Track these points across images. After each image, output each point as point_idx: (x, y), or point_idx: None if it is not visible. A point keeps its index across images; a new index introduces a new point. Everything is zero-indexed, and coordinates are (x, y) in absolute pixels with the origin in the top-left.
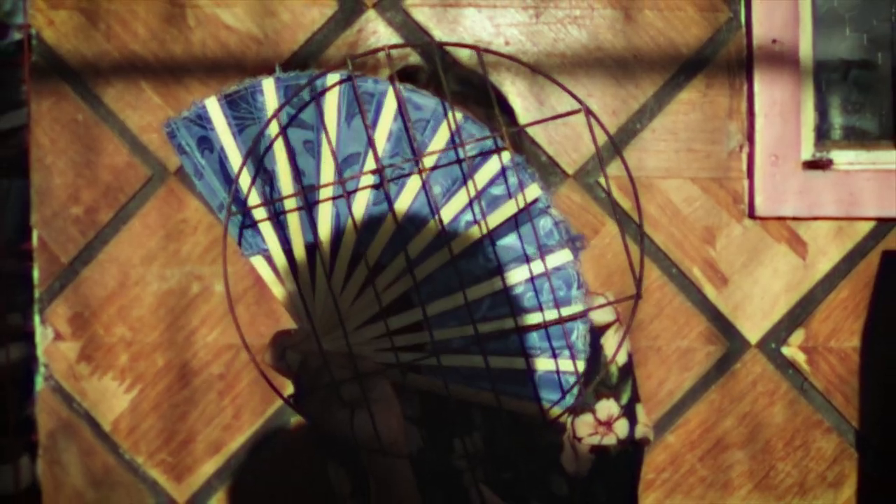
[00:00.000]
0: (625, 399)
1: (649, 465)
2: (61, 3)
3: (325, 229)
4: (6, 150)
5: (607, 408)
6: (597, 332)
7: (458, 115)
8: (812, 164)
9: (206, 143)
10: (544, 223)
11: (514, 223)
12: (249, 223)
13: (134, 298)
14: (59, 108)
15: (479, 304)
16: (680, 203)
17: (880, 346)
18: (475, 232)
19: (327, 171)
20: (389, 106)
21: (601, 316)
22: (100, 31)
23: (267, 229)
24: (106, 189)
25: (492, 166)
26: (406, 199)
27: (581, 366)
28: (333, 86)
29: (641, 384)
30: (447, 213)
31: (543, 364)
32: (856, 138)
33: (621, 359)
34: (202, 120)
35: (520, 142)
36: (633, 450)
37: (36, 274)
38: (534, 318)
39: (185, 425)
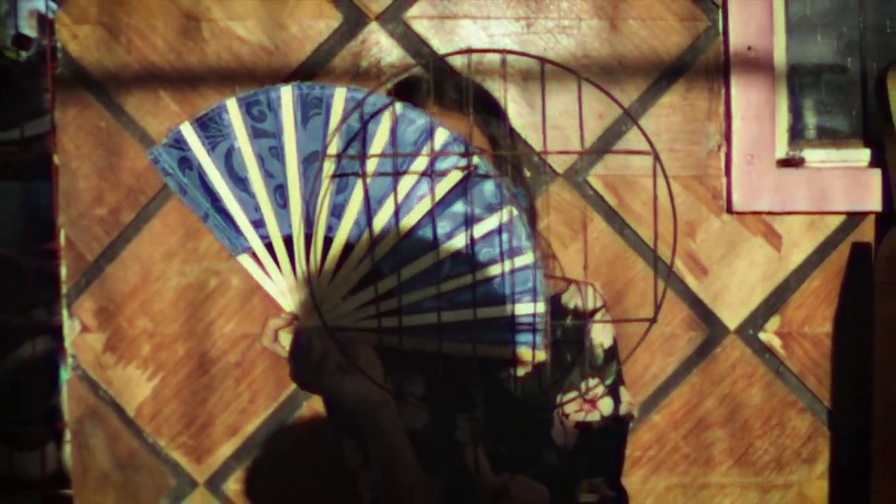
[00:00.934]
0: (609, 379)
1: (636, 443)
2: (85, 19)
3: (296, 221)
4: (30, 155)
5: (591, 387)
6: (584, 316)
7: (399, 106)
8: (786, 163)
9: (186, 162)
10: (487, 187)
11: (462, 190)
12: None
13: (155, 293)
14: (83, 116)
15: (441, 265)
16: (662, 199)
17: (850, 332)
18: (427, 203)
19: (292, 170)
20: (337, 107)
21: (587, 301)
22: (121, 44)
23: (248, 229)
24: (128, 191)
25: (436, 142)
26: (366, 185)
27: (541, 307)
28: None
29: (628, 368)
30: (402, 191)
31: (509, 310)
32: (827, 138)
33: (607, 342)
34: (180, 143)
35: (513, 142)
36: (616, 426)
37: (63, 271)
38: (494, 270)
39: (204, 410)
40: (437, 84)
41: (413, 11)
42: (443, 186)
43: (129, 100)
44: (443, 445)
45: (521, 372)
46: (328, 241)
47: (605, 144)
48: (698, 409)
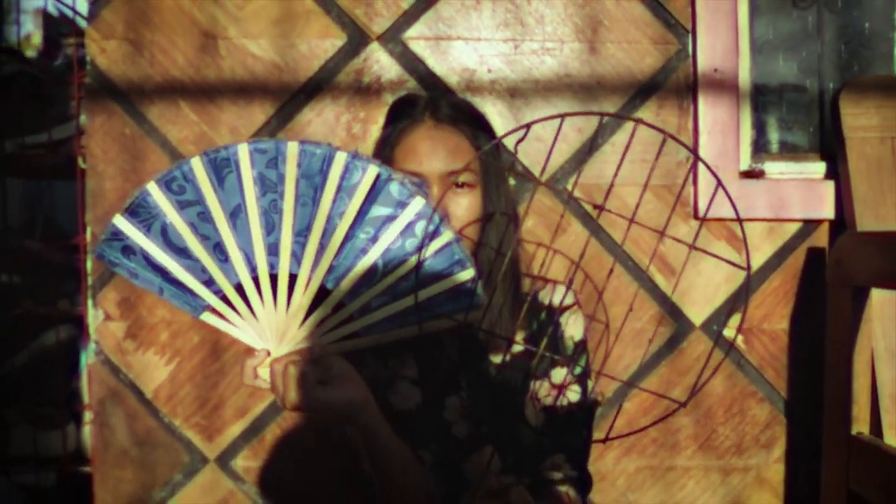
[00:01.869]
0: (578, 369)
1: (609, 429)
2: (112, 35)
3: (241, 269)
4: (57, 157)
5: (561, 375)
6: (557, 312)
7: (295, 145)
8: (748, 174)
9: (128, 250)
10: (394, 187)
11: (373, 196)
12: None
13: None
14: (109, 123)
15: (375, 266)
16: (635, 205)
17: (805, 329)
18: (349, 216)
19: (223, 227)
20: (245, 161)
21: (561, 299)
22: (144, 58)
23: (202, 289)
24: None
25: (338, 165)
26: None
27: (471, 273)
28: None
29: (601, 359)
30: (322, 216)
31: (447, 283)
32: (787, 151)
33: (577, 336)
34: (118, 235)
35: (498, 155)
36: (582, 412)
37: (89, 265)
38: (418, 257)
39: (215, 393)
40: (433, 100)
41: (411, 33)
42: (356, 199)
43: (152, 109)
44: (432, 423)
45: (499, 360)
46: (273, 278)
47: (583, 155)
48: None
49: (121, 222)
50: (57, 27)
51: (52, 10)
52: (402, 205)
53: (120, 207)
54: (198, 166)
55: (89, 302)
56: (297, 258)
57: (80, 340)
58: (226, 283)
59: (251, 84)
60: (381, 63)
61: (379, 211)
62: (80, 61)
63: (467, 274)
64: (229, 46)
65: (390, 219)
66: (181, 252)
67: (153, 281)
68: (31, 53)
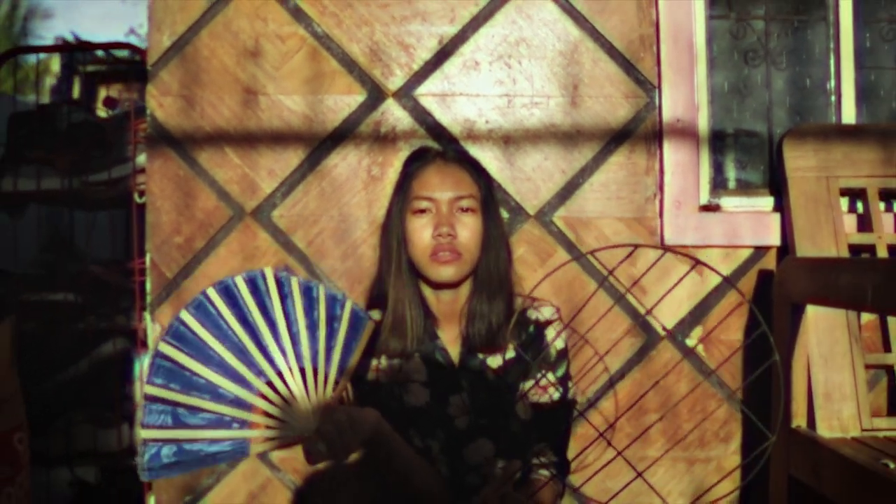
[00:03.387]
0: (560, 373)
1: (588, 425)
2: (168, 92)
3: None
4: (116, 191)
5: (546, 378)
6: (542, 326)
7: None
8: (706, 208)
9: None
10: (321, 291)
11: (308, 301)
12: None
13: None
14: (166, 166)
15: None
16: (611, 235)
17: (757, 339)
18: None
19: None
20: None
21: (545, 315)
22: (196, 111)
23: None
24: (200, 225)
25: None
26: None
27: (341, 295)
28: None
29: (582, 366)
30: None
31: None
32: (742, 188)
33: (559, 345)
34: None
35: (493, 188)
36: (563, 408)
37: (149, 285)
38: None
39: None
40: (442, 149)
41: (420, 90)
42: (299, 308)
43: (202, 154)
44: (439, 417)
45: (494, 365)
46: (281, 375)
47: (567, 192)
48: (638, 398)
49: (186, 315)
50: (75, 54)
51: (69, 38)
52: (334, 299)
53: (175, 236)
54: (240, 282)
55: (147, 317)
56: (286, 358)
57: (133, 351)
58: (271, 371)
59: (286, 133)
60: (395, 115)
61: (298, 304)
62: (136, 111)
63: (347, 304)
64: (267, 101)
65: (307, 309)
66: (235, 347)
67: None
68: (49, 80)
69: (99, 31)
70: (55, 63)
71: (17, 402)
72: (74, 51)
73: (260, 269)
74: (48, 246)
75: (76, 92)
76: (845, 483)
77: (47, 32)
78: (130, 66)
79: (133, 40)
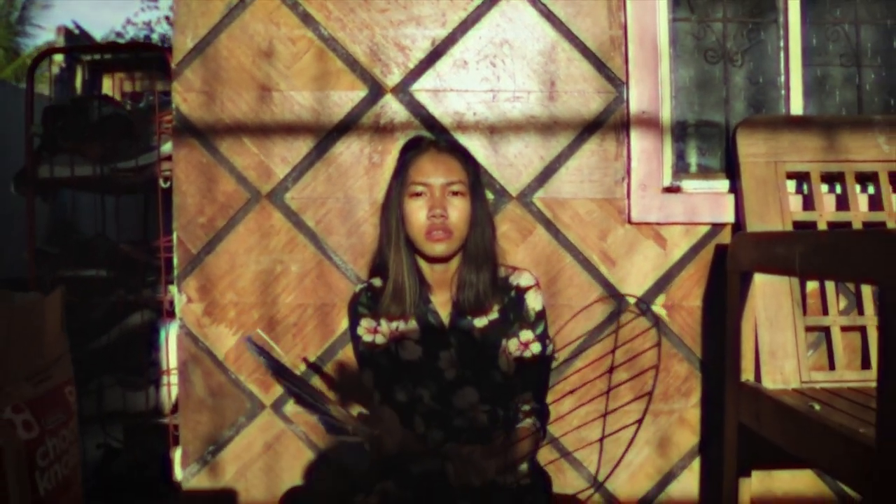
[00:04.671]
0: (539, 331)
1: (566, 381)
2: (192, 89)
3: None
4: (143, 178)
5: (526, 335)
6: (523, 291)
7: None
8: (668, 189)
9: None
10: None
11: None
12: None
13: (239, 275)
14: (190, 155)
15: None
16: (584, 214)
17: (714, 305)
18: None
19: None
20: None
21: (525, 281)
22: (216, 105)
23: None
24: (221, 206)
25: None
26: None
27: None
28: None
29: (560, 329)
30: None
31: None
32: (701, 172)
33: (538, 307)
34: None
35: (480, 174)
36: (541, 362)
37: (175, 261)
38: None
39: None
40: (434, 138)
41: (415, 86)
42: None
43: (222, 144)
44: (430, 370)
45: (480, 325)
46: None
47: (545, 176)
48: (609, 358)
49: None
50: (77, 44)
51: (71, 27)
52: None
53: (199, 217)
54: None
55: (174, 289)
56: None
57: (159, 321)
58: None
59: (297, 125)
60: (393, 109)
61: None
62: (160, 105)
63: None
64: (280, 97)
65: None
66: None
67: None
68: (54, 68)
69: (95, 17)
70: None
71: (66, 360)
72: (104, 52)
73: None
74: (54, 229)
75: (79, 81)
76: (779, 424)
77: (45, 21)
78: (132, 56)
79: (130, 30)
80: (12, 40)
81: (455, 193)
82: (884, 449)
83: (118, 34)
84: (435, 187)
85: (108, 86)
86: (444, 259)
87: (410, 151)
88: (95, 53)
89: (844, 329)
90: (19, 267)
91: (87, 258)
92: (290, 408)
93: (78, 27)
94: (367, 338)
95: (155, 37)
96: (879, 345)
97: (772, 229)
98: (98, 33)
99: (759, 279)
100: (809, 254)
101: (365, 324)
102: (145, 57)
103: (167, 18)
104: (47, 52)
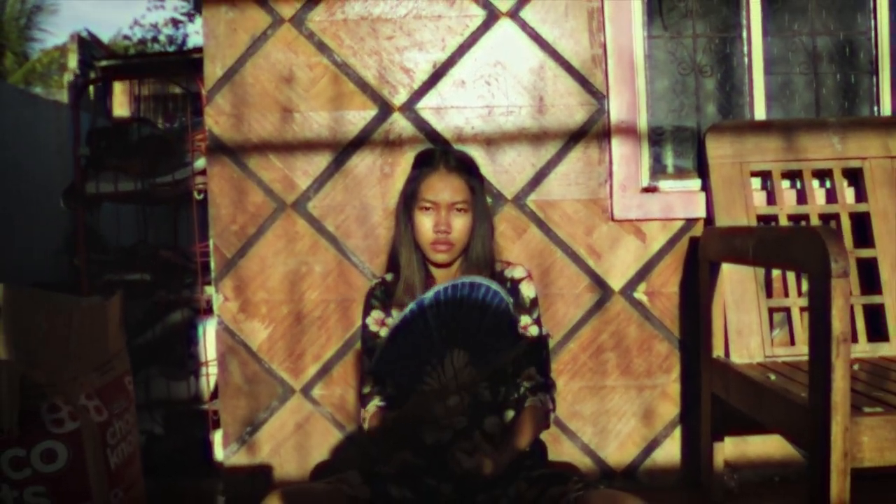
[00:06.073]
0: (534, 316)
1: (559, 361)
2: (222, 112)
3: None
4: (179, 191)
5: (524, 320)
6: (517, 282)
7: None
8: (646, 189)
9: None
10: None
11: None
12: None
13: (269, 276)
14: (223, 171)
15: None
16: (572, 213)
17: (690, 291)
18: None
19: None
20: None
21: (518, 273)
22: (244, 126)
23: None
24: (251, 215)
25: None
26: None
27: None
28: None
29: (553, 316)
30: None
31: None
32: (675, 172)
33: (532, 295)
34: None
35: (483, 186)
36: (540, 342)
37: (212, 264)
38: None
39: (299, 346)
40: (444, 153)
41: (420, 105)
42: None
43: (251, 160)
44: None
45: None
46: None
47: (536, 181)
48: (597, 340)
49: None
50: (90, 50)
51: (83, 34)
52: None
53: (231, 225)
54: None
55: (212, 289)
56: None
57: (196, 318)
58: None
59: (316, 141)
60: (401, 125)
61: None
62: (193, 125)
63: None
64: (300, 117)
65: None
66: None
67: None
68: (67, 77)
69: (101, 17)
70: (72, 59)
71: (125, 354)
72: (143, 71)
73: None
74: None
75: (91, 86)
76: (743, 394)
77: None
78: (143, 61)
79: (137, 31)
80: (22, 45)
81: (459, 210)
82: (815, 408)
83: (126, 37)
84: (441, 206)
85: (119, 90)
86: (446, 265)
87: (424, 168)
88: (119, 60)
89: (803, 309)
90: (43, 271)
91: (131, 263)
92: (318, 391)
93: (89, 33)
94: (374, 328)
95: (162, 38)
96: (809, 322)
97: (738, 223)
98: (105, 35)
99: (727, 267)
100: (758, 246)
101: (375, 315)
102: (157, 62)
103: (173, 20)
104: (103, 76)
